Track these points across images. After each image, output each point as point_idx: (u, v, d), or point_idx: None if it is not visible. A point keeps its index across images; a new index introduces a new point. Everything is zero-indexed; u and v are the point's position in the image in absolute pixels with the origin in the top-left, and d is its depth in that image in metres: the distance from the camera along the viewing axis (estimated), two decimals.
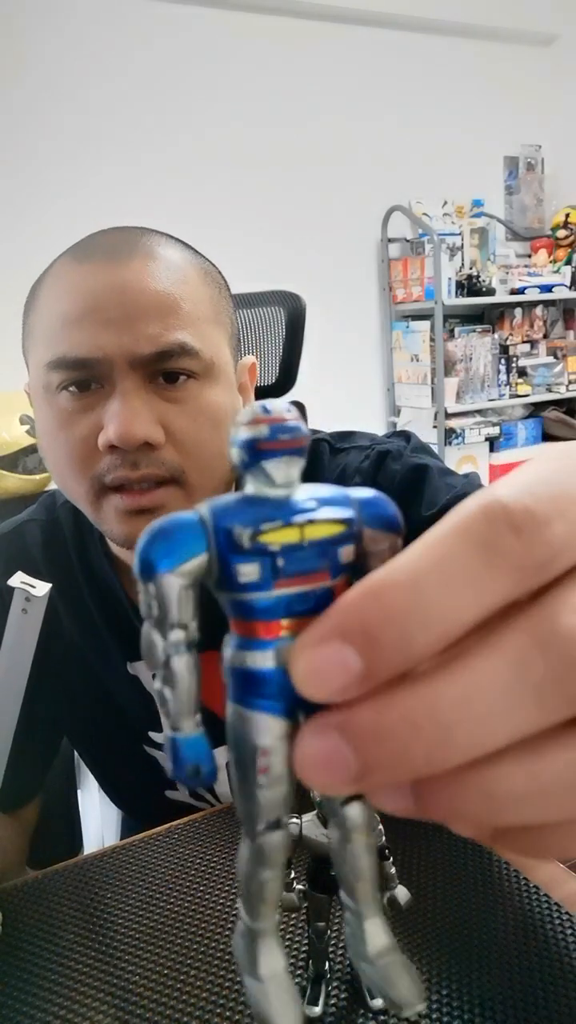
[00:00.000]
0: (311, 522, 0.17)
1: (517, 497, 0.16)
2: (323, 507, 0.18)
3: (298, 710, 0.17)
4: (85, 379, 0.57)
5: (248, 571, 0.17)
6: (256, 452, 0.17)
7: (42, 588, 0.52)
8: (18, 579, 0.52)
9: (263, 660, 0.17)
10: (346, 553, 0.18)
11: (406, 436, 0.73)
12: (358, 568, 0.18)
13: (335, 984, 0.46)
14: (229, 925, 0.52)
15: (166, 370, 0.57)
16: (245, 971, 0.18)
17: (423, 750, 0.15)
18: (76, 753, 0.96)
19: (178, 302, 0.57)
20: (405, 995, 0.18)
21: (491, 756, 0.16)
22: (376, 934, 0.19)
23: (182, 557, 0.17)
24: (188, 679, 0.17)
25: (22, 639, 0.53)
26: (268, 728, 0.17)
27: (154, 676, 0.17)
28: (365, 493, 0.19)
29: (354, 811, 0.18)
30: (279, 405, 0.18)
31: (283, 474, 0.18)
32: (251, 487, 0.18)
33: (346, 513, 0.18)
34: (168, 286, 0.57)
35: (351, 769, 0.16)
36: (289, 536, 0.17)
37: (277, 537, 0.17)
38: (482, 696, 0.15)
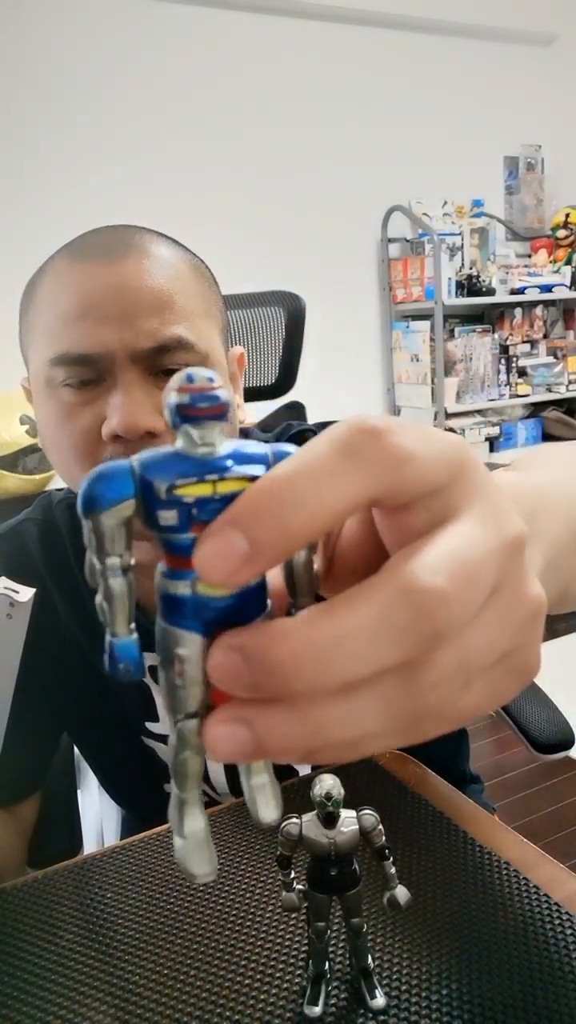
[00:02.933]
0: (222, 479, 0.20)
1: (378, 416, 0.19)
2: (237, 465, 0.20)
3: (212, 627, 0.20)
4: (87, 374, 0.59)
5: (167, 516, 0.20)
6: (181, 416, 0.20)
7: (26, 594, 0.52)
8: (1, 585, 0.52)
9: (183, 588, 0.20)
10: None
11: None
12: None
13: (335, 984, 0.46)
14: (229, 925, 0.52)
15: (164, 363, 0.59)
16: (175, 831, 0.22)
17: (304, 678, 0.18)
18: (76, 753, 0.96)
19: (173, 298, 0.60)
20: (263, 813, 0.23)
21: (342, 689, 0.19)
22: (258, 767, 0.23)
23: (115, 500, 0.20)
24: (121, 596, 0.21)
25: (7, 644, 0.53)
26: (186, 642, 0.20)
27: (95, 593, 0.21)
28: (286, 448, 0.21)
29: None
30: (203, 374, 0.20)
31: (203, 436, 0.20)
32: (179, 443, 0.20)
33: (257, 471, 0.20)
34: (163, 283, 0.60)
35: (244, 679, 0.19)
36: (202, 490, 0.20)
37: (191, 491, 0.20)
38: (356, 635, 0.18)
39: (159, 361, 0.59)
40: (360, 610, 0.19)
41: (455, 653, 0.20)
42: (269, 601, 0.22)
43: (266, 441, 0.73)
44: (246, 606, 0.20)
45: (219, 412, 0.20)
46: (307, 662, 0.18)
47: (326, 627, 0.19)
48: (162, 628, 0.21)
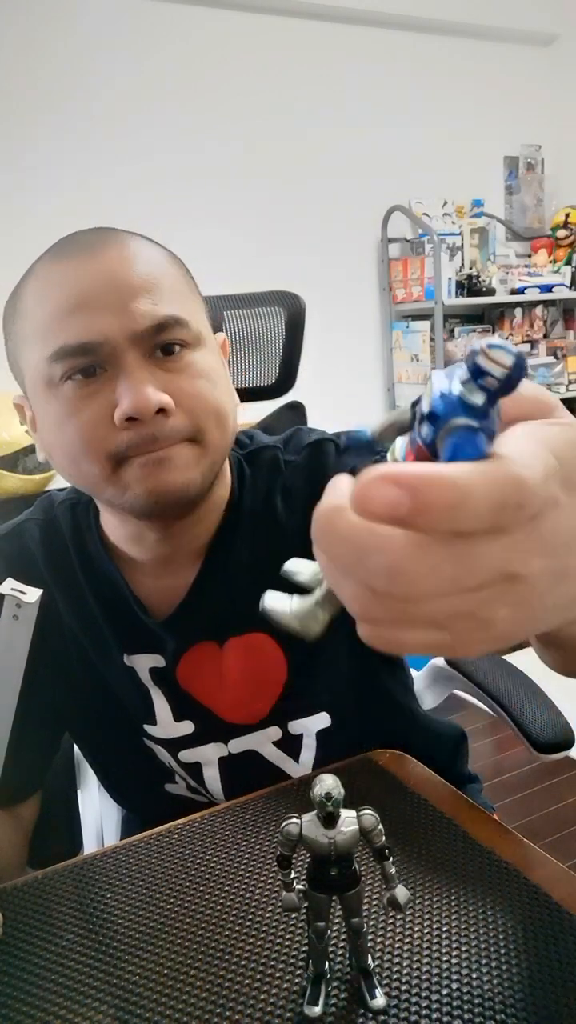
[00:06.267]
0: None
1: (535, 489, 0.23)
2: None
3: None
4: (89, 364, 0.59)
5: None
6: (478, 374, 0.23)
7: (33, 594, 0.52)
8: (8, 586, 0.52)
9: (477, 397, 0.24)
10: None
11: None
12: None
13: (335, 984, 0.46)
14: (229, 925, 0.52)
15: (163, 342, 0.61)
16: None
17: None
18: (76, 753, 0.96)
19: (160, 280, 0.62)
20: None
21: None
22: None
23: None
24: None
25: (14, 645, 0.53)
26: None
27: None
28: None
29: None
30: (506, 360, 0.23)
31: (474, 396, 0.24)
32: (465, 391, 0.24)
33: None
34: (148, 268, 0.62)
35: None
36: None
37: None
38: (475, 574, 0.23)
39: (158, 340, 0.60)
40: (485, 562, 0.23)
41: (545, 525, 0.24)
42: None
43: (272, 444, 0.74)
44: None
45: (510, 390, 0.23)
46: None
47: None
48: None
